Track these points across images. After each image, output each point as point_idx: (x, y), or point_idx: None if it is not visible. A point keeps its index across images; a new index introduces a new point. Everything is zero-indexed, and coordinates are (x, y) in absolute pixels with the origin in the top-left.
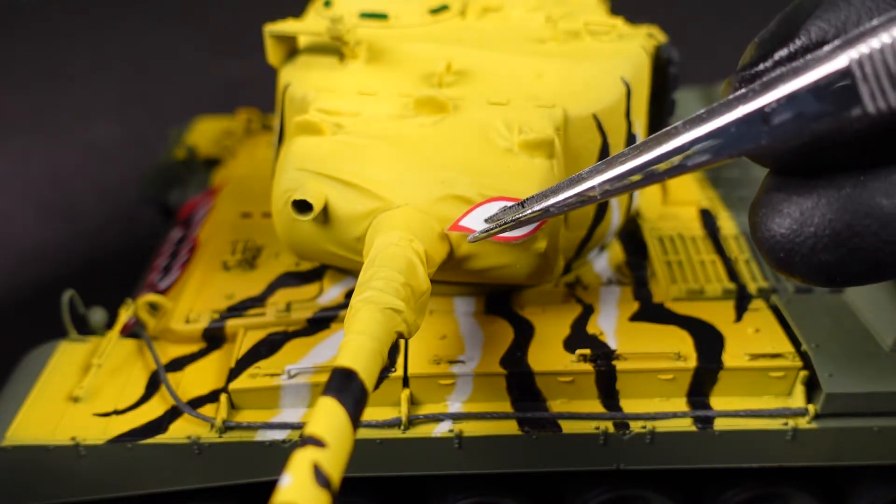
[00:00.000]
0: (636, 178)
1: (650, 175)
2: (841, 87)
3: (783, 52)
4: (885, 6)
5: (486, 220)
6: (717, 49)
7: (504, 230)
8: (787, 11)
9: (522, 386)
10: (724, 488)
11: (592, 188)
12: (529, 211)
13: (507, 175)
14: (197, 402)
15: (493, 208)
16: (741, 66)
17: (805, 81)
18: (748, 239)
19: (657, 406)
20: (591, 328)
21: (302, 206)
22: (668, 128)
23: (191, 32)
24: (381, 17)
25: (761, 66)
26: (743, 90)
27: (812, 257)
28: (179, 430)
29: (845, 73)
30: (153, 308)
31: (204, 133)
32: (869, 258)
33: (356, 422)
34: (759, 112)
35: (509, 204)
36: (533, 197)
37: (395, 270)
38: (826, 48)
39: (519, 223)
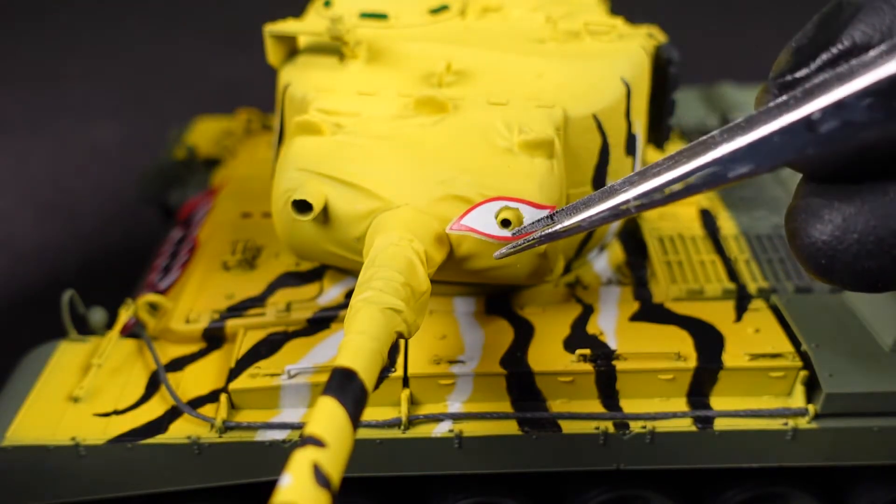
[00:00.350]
0: (672, 189)
1: (688, 188)
2: (892, 95)
3: (825, 57)
4: None
5: (513, 233)
6: (717, 49)
7: (534, 245)
8: (825, 15)
9: (522, 386)
10: (724, 488)
11: (627, 202)
12: (560, 226)
13: (507, 175)
14: (197, 402)
15: (492, 208)
16: (778, 73)
17: (853, 88)
18: (748, 239)
19: (657, 406)
20: (591, 328)
21: (302, 206)
22: (705, 137)
23: (191, 32)
24: (381, 17)
25: (802, 73)
26: (784, 97)
27: (855, 264)
28: (179, 430)
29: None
30: (153, 308)
31: (204, 133)
32: None
33: (356, 422)
34: (805, 120)
35: (537, 214)
36: (563, 210)
37: (395, 270)
38: (872, 52)
39: (550, 237)
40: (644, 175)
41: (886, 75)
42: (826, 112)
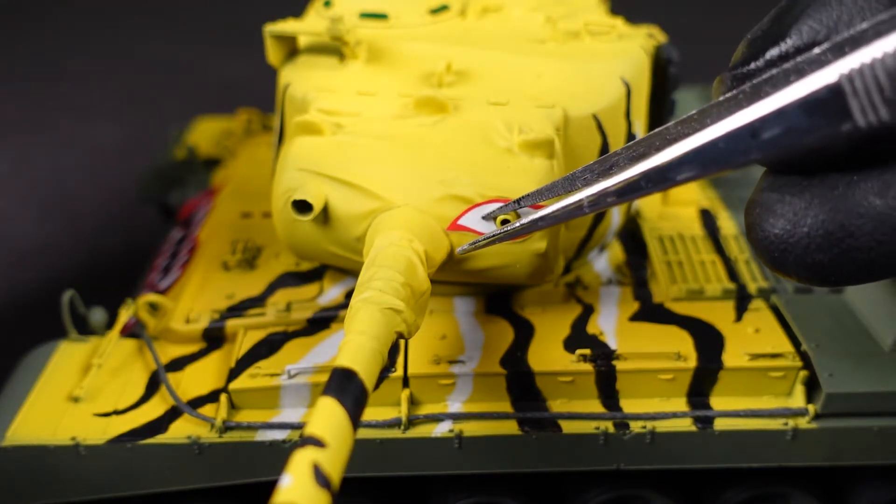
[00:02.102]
0: (620, 188)
1: (634, 189)
2: (830, 103)
3: (774, 52)
4: (878, 6)
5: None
6: (717, 49)
7: (494, 241)
8: (780, 8)
9: (522, 386)
10: (724, 488)
11: (580, 201)
12: (518, 224)
13: (507, 175)
14: (197, 402)
15: (491, 208)
16: (733, 64)
17: (794, 96)
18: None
19: (657, 406)
20: (591, 328)
21: (302, 207)
22: (653, 138)
23: (191, 32)
24: (381, 17)
25: (752, 66)
26: (733, 93)
27: (806, 257)
28: (179, 430)
29: (835, 88)
30: (153, 308)
31: (204, 133)
32: (862, 258)
33: (356, 422)
34: (748, 128)
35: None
36: (524, 202)
37: (394, 270)
38: (816, 51)
39: (510, 235)
40: (605, 167)
41: (825, 84)
42: (768, 120)
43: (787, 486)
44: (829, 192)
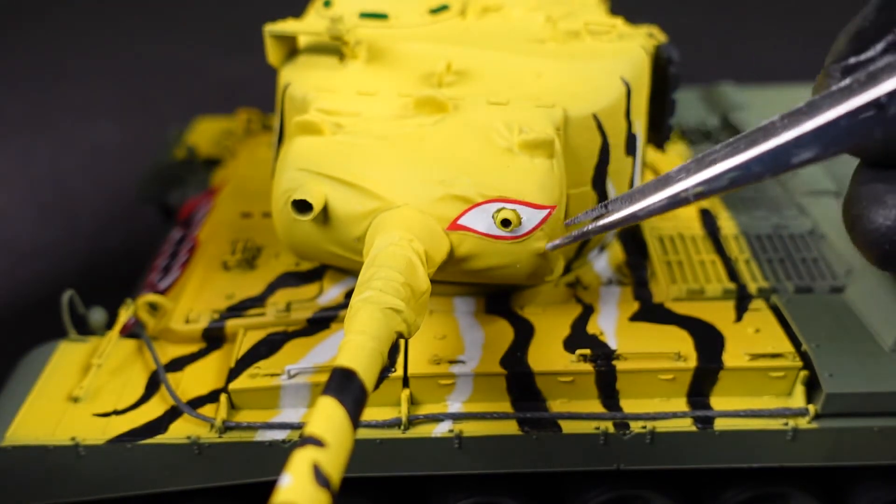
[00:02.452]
0: (733, 176)
1: (749, 175)
2: None
3: (890, 38)
4: None
5: (566, 224)
6: (717, 49)
7: (588, 236)
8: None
9: (522, 386)
10: (724, 488)
11: (686, 190)
12: (616, 217)
13: (507, 175)
14: (197, 403)
15: (491, 208)
16: (838, 57)
17: None
18: (748, 239)
19: (657, 406)
20: (591, 328)
21: (302, 206)
22: (764, 123)
23: (191, 32)
24: (381, 17)
25: (866, 55)
26: (847, 81)
27: None
28: (179, 431)
29: None
30: (153, 308)
31: (204, 133)
32: None
33: (356, 422)
34: (874, 103)
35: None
36: (619, 199)
37: (394, 270)
38: None
39: (604, 228)
40: (701, 163)
41: None
42: (893, 95)
43: (787, 486)
44: None
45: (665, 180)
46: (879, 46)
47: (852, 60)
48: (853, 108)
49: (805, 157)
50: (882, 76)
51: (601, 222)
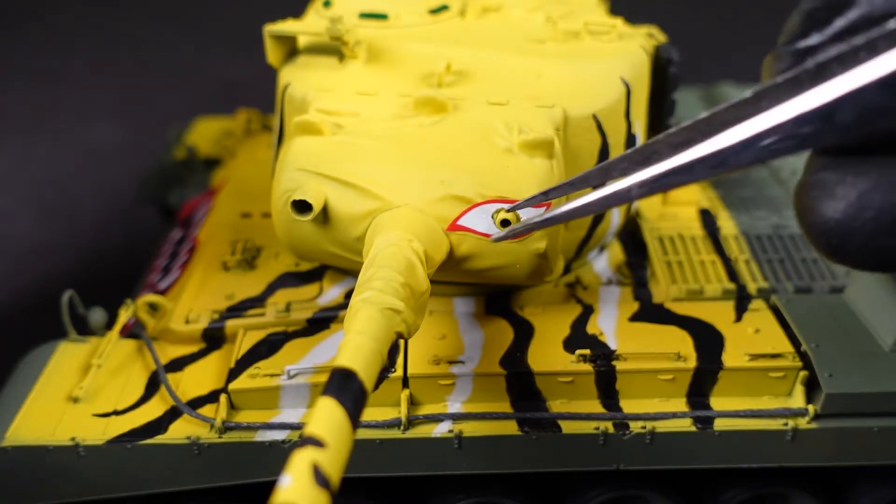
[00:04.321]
0: (675, 180)
1: (691, 174)
2: None
3: (840, 24)
4: None
5: (507, 210)
6: (717, 49)
7: (531, 230)
8: None
9: (522, 386)
10: (724, 488)
11: (629, 188)
12: (557, 212)
13: (506, 175)
14: (196, 403)
15: (491, 209)
16: (788, 39)
17: (872, 75)
18: (748, 239)
19: (657, 406)
20: (590, 328)
21: (301, 207)
22: (699, 124)
23: (191, 32)
24: (380, 17)
25: (814, 40)
26: (794, 72)
27: (870, 243)
28: (179, 431)
29: None
30: (153, 308)
31: (204, 133)
32: None
33: (356, 422)
34: (821, 110)
35: (535, 214)
36: (560, 187)
37: (394, 270)
38: (892, 23)
39: (546, 223)
40: (644, 156)
41: None
42: (843, 101)
43: (787, 486)
44: None
45: (606, 171)
46: (829, 30)
47: (801, 45)
48: (799, 114)
49: (747, 160)
50: (830, 72)
51: (544, 217)
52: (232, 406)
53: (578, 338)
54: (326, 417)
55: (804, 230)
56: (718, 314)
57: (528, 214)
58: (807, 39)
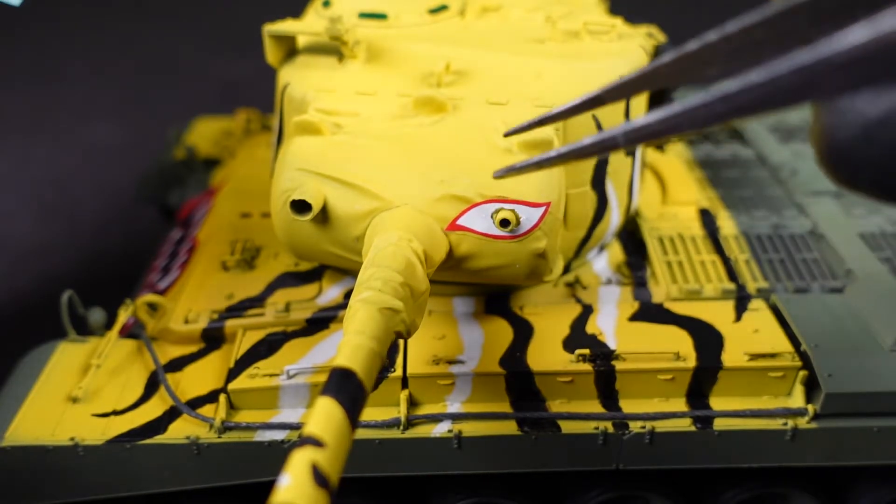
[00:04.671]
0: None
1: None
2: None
3: None
4: None
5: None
6: None
7: (532, 167)
8: None
9: (522, 386)
10: (723, 488)
11: (615, 137)
12: (556, 153)
13: None
14: (196, 403)
15: (490, 208)
16: None
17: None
18: (748, 239)
19: (656, 406)
20: (590, 328)
21: (301, 207)
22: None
23: (191, 32)
24: (380, 17)
25: None
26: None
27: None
28: (178, 431)
29: None
30: (152, 308)
31: (203, 133)
32: None
33: (355, 422)
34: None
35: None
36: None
37: (393, 270)
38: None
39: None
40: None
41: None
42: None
43: (787, 486)
44: None
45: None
46: None
47: None
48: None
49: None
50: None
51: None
52: (231, 406)
53: (578, 338)
54: (325, 417)
55: (824, 147)
56: (718, 314)
57: (525, 213)
58: None
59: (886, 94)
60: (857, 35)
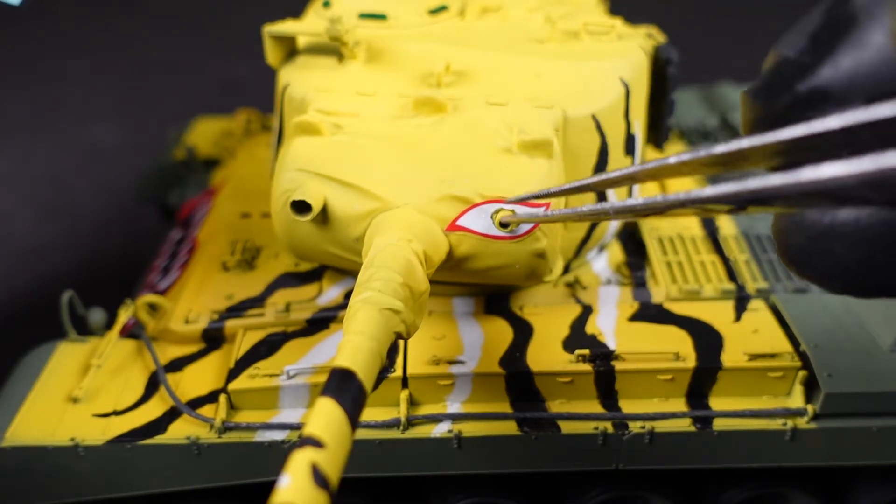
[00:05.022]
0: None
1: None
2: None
3: (802, 88)
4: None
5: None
6: (717, 49)
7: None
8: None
9: (521, 386)
10: (723, 488)
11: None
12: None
13: (506, 175)
14: (196, 403)
15: (489, 209)
16: (757, 88)
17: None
18: (748, 239)
19: (656, 406)
20: (590, 328)
21: (301, 207)
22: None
23: (191, 32)
24: (380, 17)
25: (778, 104)
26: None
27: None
28: (179, 431)
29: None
30: (152, 308)
31: (203, 133)
32: None
33: (355, 422)
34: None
35: (533, 213)
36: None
37: (393, 271)
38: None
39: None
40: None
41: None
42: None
43: (787, 486)
44: None
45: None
46: (792, 94)
47: (766, 103)
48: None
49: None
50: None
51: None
52: (231, 406)
53: (578, 338)
54: (325, 418)
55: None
56: (718, 314)
57: (525, 214)
58: (769, 103)
59: (829, 214)
60: (806, 174)
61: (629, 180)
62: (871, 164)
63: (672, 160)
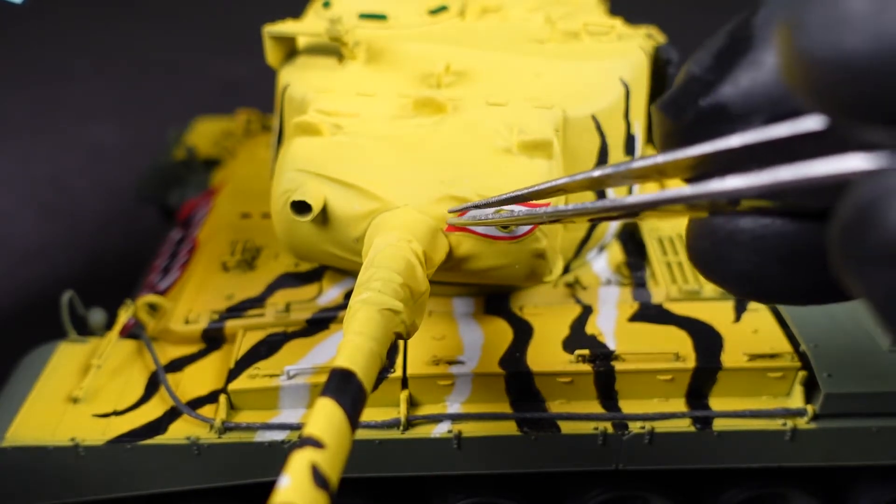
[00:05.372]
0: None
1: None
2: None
3: (705, 103)
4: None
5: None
6: None
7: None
8: (722, 41)
9: (521, 386)
10: (723, 488)
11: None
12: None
13: (505, 176)
14: (196, 403)
15: (490, 209)
16: (665, 101)
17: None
18: None
19: (656, 406)
20: (589, 329)
21: (301, 207)
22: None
23: (191, 32)
24: (380, 17)
25: (679, 121)
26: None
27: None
28: (179, 431)
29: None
30: (152, 309)
31: (203, 134)
32: None
33: (355, 422)
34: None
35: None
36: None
37: (393, 271)
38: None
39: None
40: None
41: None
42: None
43: (787, 486)
44: None
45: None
46: (697, 108)
47: (674, 116)
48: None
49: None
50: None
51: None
52: (231, 406)
53: (577, 338)
54: (325, 418)
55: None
56: (717, 314)
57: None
58: (678, 117)
59: (732, 221)
60: (715, 185)
61: (560, 192)
62: (768, 178)
63: (596, 173)
